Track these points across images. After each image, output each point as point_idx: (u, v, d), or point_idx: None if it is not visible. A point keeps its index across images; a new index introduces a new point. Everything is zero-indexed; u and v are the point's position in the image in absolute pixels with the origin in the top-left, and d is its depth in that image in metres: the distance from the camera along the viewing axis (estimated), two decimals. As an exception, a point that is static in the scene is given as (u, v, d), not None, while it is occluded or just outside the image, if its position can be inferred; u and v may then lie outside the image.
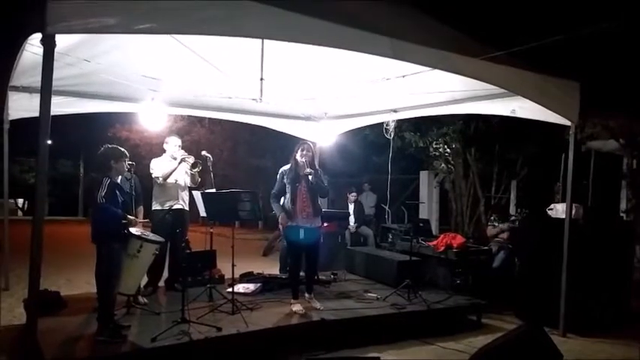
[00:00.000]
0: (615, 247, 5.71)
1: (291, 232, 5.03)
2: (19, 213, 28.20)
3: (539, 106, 5.01)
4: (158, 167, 5.54)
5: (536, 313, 5.41)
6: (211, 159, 5.64)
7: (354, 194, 9.29)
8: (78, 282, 7.16)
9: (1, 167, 6.38)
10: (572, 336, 5.17)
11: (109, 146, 4.36)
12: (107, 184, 4.02)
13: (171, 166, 5.50)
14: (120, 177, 4.39)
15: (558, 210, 5.76)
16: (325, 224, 5.29)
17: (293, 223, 4.98)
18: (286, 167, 5.13)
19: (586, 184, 8.62)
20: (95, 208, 4.14)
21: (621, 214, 8.76)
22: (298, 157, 5.00)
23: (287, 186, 5.01)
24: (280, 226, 5.32)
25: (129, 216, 4.26)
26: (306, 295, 5.13)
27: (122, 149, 4.36)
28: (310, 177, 4.90)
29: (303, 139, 5.56)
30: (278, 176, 5.18)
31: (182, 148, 5.69)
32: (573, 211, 5.32)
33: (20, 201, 29.27)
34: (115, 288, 4.15)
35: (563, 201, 5.78)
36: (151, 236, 4.62)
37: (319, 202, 5.17)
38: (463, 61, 4.30)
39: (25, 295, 3.06)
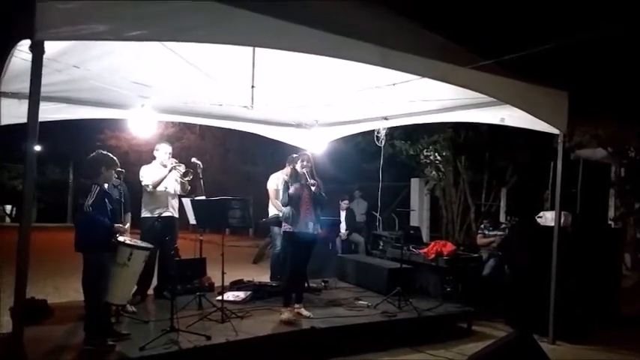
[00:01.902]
0: (604, 254, 5.76)
1: (294, 234, 5.01)
2: (7, 219, 27.86)
3: (529, 115, 5.06)
4: (148, 175, 5.50)
5: (526, 320, 5.42)
6: (201, 166, 5.63)
7: (345, 201, 9.30)
8: (66, 290, 7.09)
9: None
10: (561, 343, 5.19)
11: (103, 152, 4.27)
12: (96, 192, 3.92)
13: (162, 174, 5.46)
14: (106, 185, 4.27)
15: (547, 218, 5.80)
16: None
17: (295, 230, 5.00)
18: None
19: (575, 192, 8.70)
20: (81, 216, 4.01)
21: (609, 222, 8.84)
22: (298, 167, 5.10)
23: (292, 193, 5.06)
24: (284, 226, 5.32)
25: (116, 225, 4.19)
26: (296, 305, 5.10)
27: (114, 158, 4.28)
28: (314, 188, 5.02)
29: (303, 150, 5.59)
30: (282, 186, 5.20)
31: (172, 155, 5.67)
32: (562, 219, 5.35)
33: (8, 207, 28.90)
34: (103, 296, 4.08)
35: (552, 209, 5.82)
36: (139, 243, 4.55)
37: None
38: (452, 69, 4.33)
39: (12, 303, 3.02)
